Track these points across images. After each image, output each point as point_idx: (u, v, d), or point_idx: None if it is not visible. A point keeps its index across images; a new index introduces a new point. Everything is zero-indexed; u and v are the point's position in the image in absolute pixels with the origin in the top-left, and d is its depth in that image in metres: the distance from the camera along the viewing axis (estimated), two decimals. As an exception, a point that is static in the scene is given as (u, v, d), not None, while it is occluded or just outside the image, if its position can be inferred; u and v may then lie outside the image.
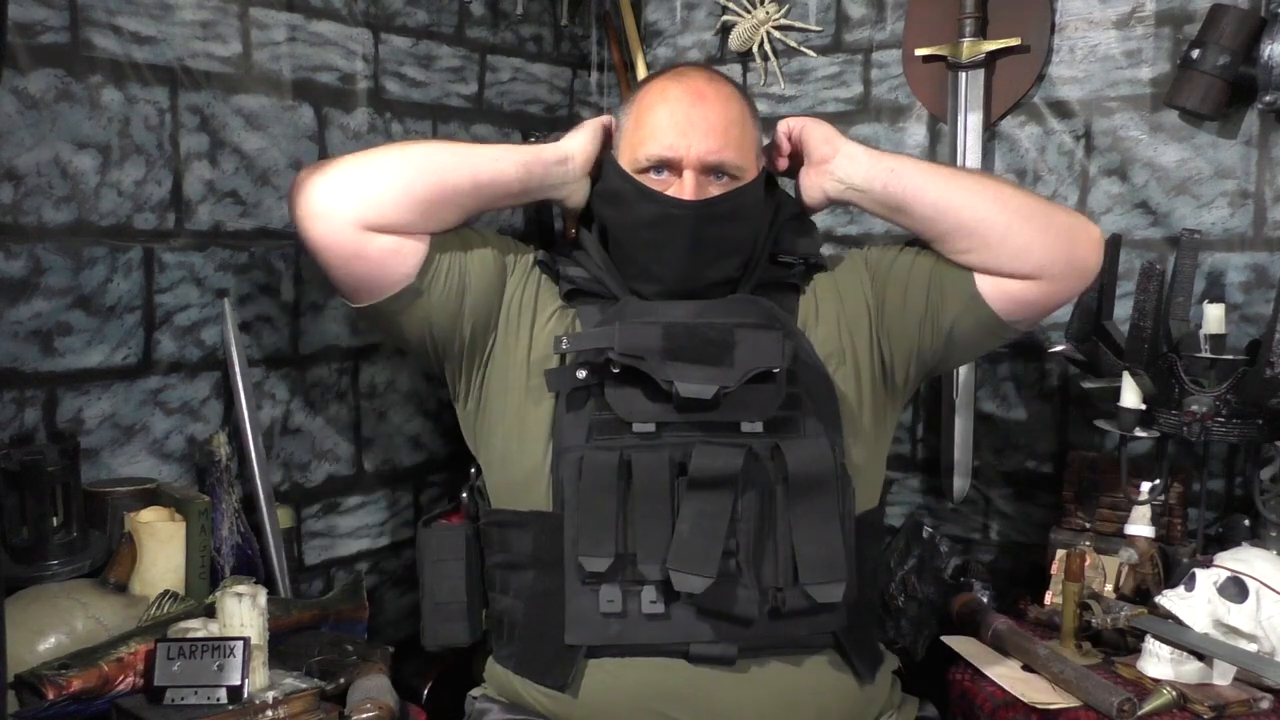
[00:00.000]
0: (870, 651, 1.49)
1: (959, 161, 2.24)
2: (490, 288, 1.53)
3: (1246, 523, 1.89)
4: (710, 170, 1.47)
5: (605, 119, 1.60)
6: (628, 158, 1.52)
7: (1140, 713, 1.53)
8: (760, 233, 1.55)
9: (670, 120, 1.48)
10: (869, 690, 1.45)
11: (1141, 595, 1.78)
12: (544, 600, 1.40)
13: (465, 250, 1.53)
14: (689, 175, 1.46)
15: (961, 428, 2.25)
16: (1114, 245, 1.94)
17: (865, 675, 1.44)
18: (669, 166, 1.48)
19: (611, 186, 1.52)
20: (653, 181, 1.48)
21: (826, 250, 2.43)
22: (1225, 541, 1.87)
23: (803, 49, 2.49)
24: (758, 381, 1.39)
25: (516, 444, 1.45)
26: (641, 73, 2.61)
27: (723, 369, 1.38)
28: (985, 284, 1.51)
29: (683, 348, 1.39)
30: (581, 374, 1.40)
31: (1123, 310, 1.93)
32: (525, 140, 2.55)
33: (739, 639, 1.35)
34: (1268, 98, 1.88)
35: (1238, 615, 1.59)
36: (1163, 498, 1.91)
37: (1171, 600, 1.64)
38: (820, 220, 2.50)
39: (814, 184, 1.56)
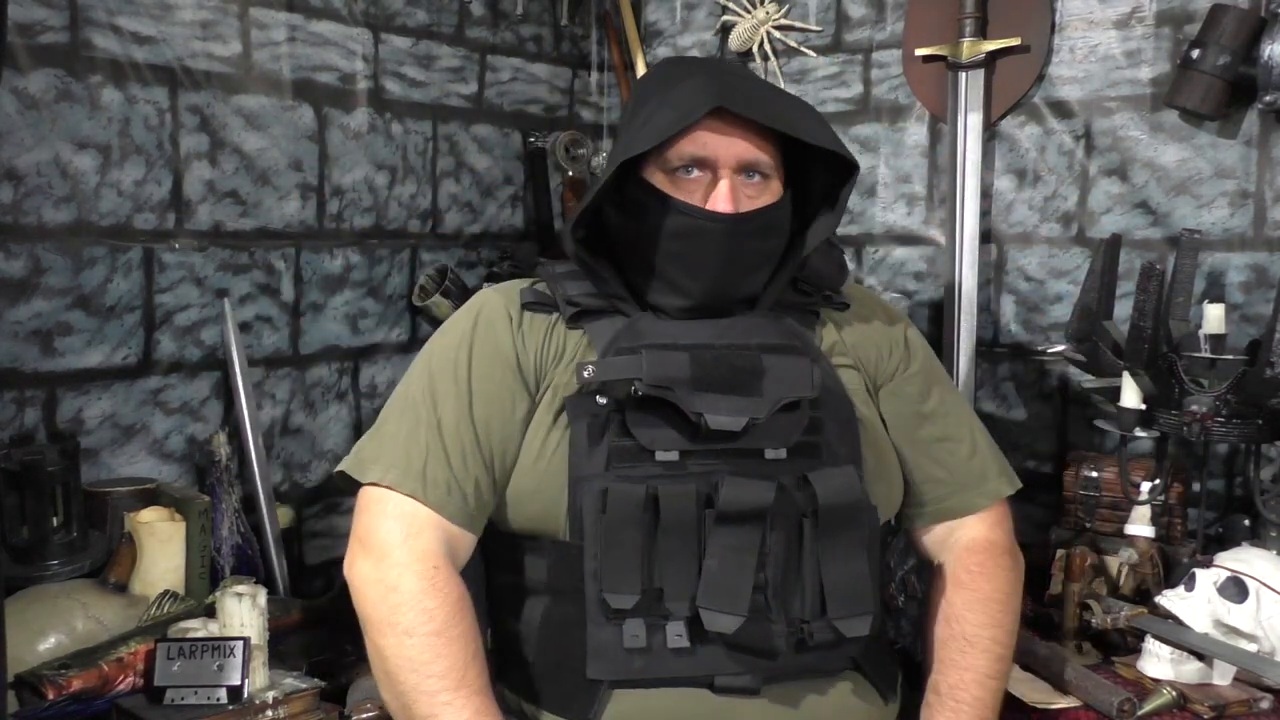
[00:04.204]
0: (888, 668, 1.46)
1: (959, 161, 2.24)
2: (522, 422, 1.38)
3: (1246, 523, 1.89)
4: (745, 169, 1.36)
5: None
6: (651, 156, 1.37)
7: (1140, 713, 1.53)
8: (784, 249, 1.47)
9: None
10: (892, 707, 1.43)
11: (1141, 595, 1.78)
12: (561, 631, 1.35)
13: (499, 470, 1.37)
14: (726, 181, 1.35)
15: (961, 428, 2.25)
16: (1114, 245, 1.94)
17: (889, 694, 1.42)
18: (701, 165, 1.36)
19: (629, 195, 1.40)
20: (683, 183, 1.36)
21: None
22: (1225, 541, 1.87)
23: (803, 49, 2.49)
24: (784, 408, 1.34)
25: (532, 476, 1.36)
26: (641, 73, 2.61)
27: (752, 399, 1.32)
28: (937, 529, 1.50)
29: (711, 377, 1.32)
30: (602, 400, 1.33)
31: (1123, 310, 1.93)
32: (525, 141, 2.56)
33: (764, 670, 1.31)
34: (1268, 98, 1.88)
35: (1238, 615, 1.59)
36: (1163, 498, 1.91)
37: (1171, 600, 1.64)
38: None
39: None
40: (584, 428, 1.33)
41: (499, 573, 1.45)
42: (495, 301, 1.44)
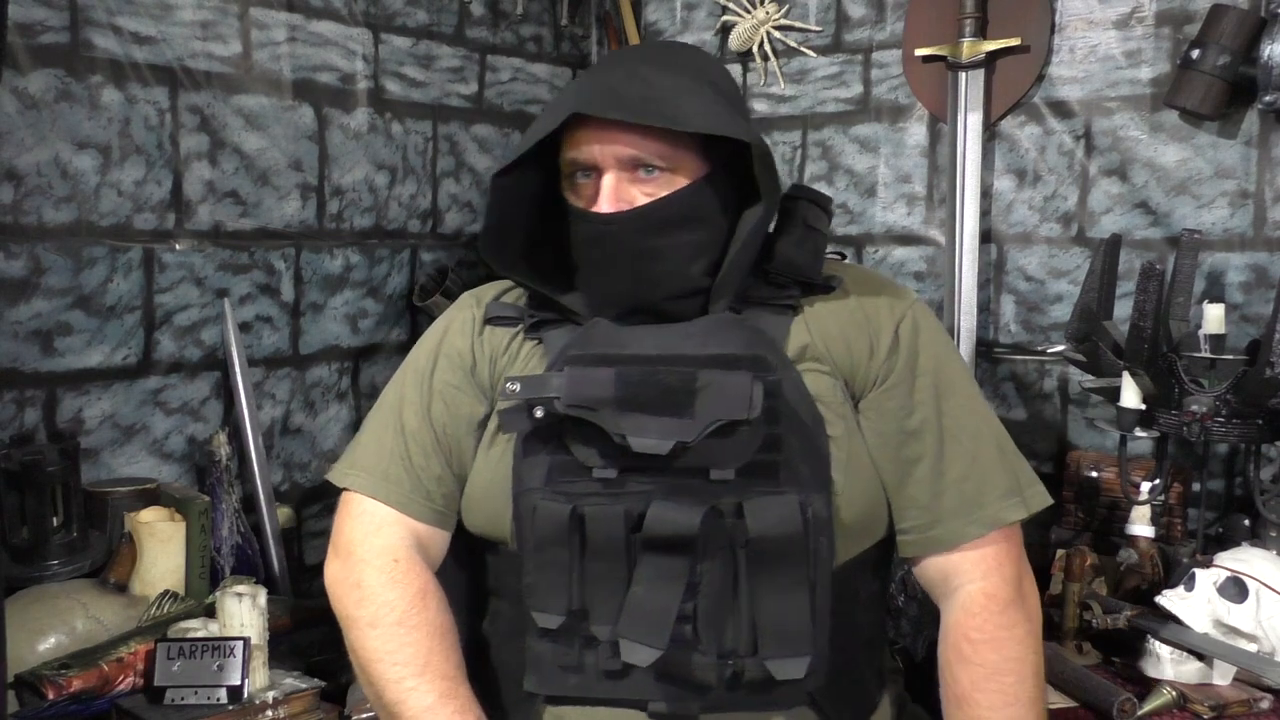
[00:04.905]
0: (856, 703, 1.37)
1: (959, 161, 2.24)
2: (478, 426, 1.38)
3: (1246, 523, 1.89)
4: (634, 165, 1.27)
5: None
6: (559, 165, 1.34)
7: (1140, 713, 1.53)
8: (727, 235, 1.34)
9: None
10: None
11: (1141, 595, 1.78)
12: (510, 638, 1.34)
13: (458, 468, 1.37)
14: (608, 180, 1.28)
15: (961, 428, 2.25)
16: (1114, 245, 1.94)
17: None
18: (587, 169, 1.30)
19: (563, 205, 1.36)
20: (579, 188, 1.31)
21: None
22: (1225, 541, 1.87)
23: (803, 49, 2.49)
24: (730, 425, 1.24)
25: (480, 483, 1.35)
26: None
27: (682, 421, 1.24)
28: (929, 567, 1.33)
29: (638, 396, 1.25)
30: (539, 413, 1.28)
31: (1123, 310, 1.93)
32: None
33: (698, 701, 1.27)
34: (1268, 98, 1.88)
35: (1238, 615, 1.59)
36: (1163, 498, 1.91)
37: (1171, 600, 1.64)
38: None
39: None
40: (523, 440, 1.30)
41: (472, 571, 1.44)
42: (465, 305, 1.44)
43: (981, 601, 1.29)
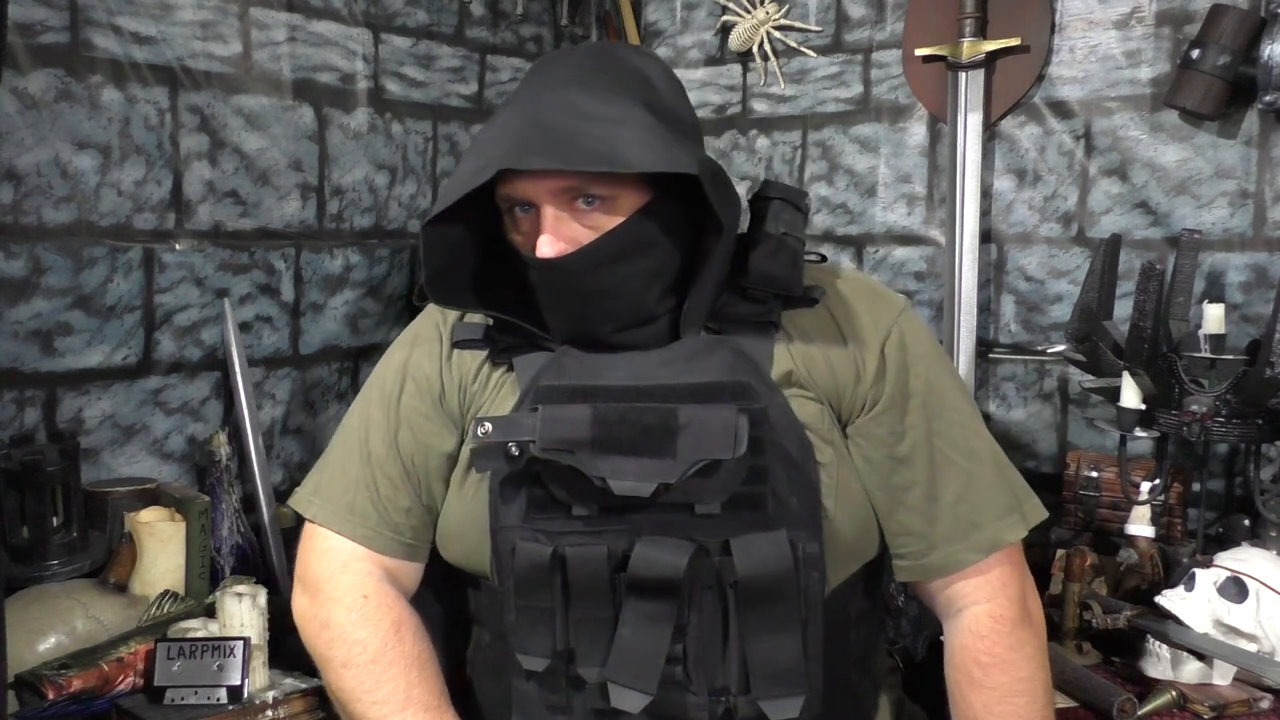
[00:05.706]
0: (853, 715, 1.36)
1: (959, 161, 2.24)
2: (449, 457, 1.34)
3: (1246, 523, 1.89)
4: (573, 197, 1.20)
5: None
6: None
7: (1140, 713, 1.53)
8: (685, 252, 1.27)
9: None
10: None
11: (1141, 595, 1.78)
12: (496, 671, 1.31)
13: (428, 499, 1.34)
14: (547, 217, 1.20)
15: (961, 428, 2.25)
16: (1114, 245, 1.94)
17: None
18: (525, 204, 1.22)
19: None
20: (520, 222, 1.24)
21: (827, 249, 2.45)
22: (1225, 541, 1.87)
23: (803, 49, 2.49)
24: (714, 461, 1.19)
25: (456, 518, 1.30)
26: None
27: (664, 461, 1.18)
28: (929, 589, 1.32)
29: (616, 436, 1.19)
30: (515, 450, 1.22)
31: (1123, 310, 1.93)
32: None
33: None
34: (1268, 98, 1.88)
35: (1238, 615, 1.59)
36: (1163, 498, 1.91)
37: (1171, 600, 1.64)
38: (820, 220, 2.53)
39: None
40: (499, 476, 1.25)
41: (452, 597, 1.41)
42: (431, 326, 1.38)
43: (989, 624, 1.27)
